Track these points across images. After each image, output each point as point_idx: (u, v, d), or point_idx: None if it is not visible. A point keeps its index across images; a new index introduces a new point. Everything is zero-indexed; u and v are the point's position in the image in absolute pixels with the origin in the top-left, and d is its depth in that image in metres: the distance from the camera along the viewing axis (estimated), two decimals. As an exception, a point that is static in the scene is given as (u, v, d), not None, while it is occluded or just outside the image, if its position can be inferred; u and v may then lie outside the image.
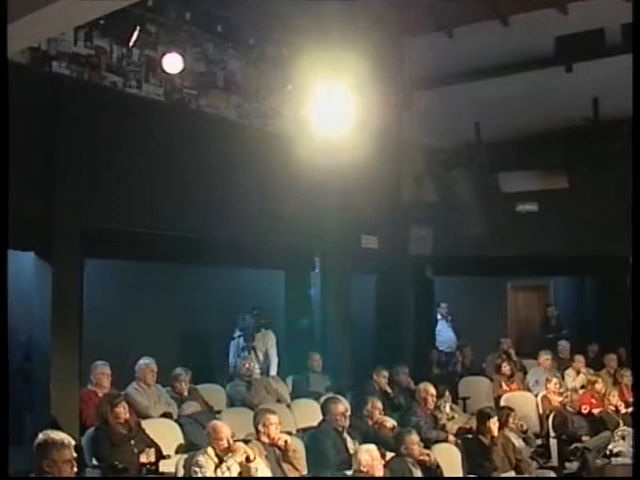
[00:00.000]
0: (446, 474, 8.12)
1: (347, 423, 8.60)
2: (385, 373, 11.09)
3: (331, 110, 8.91)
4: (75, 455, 5.77)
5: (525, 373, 13.18)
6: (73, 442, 5.83)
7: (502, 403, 10.98)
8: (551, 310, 15.72)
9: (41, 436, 5.74)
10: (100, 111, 9.22)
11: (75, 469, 5.76)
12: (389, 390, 11.01)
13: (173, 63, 9.96)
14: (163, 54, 10.01)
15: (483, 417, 9.03)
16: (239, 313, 11.88)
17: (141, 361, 9.32)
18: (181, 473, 7.18)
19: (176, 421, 8.83)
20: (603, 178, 12.85)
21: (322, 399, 9.54)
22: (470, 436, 9.31)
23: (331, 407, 8.64)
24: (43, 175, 8.73)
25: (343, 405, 8.73)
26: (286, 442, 7.68)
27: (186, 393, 9.59)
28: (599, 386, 11.58)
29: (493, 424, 8.88)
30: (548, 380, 11.69)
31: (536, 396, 11.68)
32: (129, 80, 9.96)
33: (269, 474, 7.10)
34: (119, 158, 9.38)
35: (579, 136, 13.46)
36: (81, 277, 9.18)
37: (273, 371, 11.66)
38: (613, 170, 12.11)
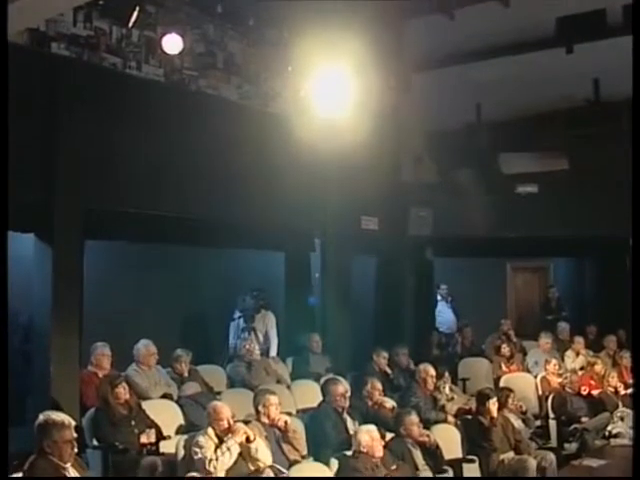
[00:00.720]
0: (446, 455, 8.17)
1: (347, 404, 8.63)
2: (385, 354, 11.12)
3: (331, 92, 8.91)
4: (75, 436, 5.82)
5: (525, 354, 13.21)
6: (74, 423, 5.89)
7: (501, 384, 11.00)
8: (552, 292, 15.73)
9: (42, 417, 5.79)
10: (100, 92, 9.20)
11: (75, 450, 5.82)
12: (389, 371, 11.04)
13: (173, 44, 9.92)
14: (163, 35, 9.96)
15: (483, 398, 9.06)
16: (239, 294, 11.91)
17: (140, 344, 9.34)
18: (181, 454, 7.21)
19: (176, 402, 8.87)
20: (603, 159, 12.83)
21: (322, 380, 9.58)
22: (469, 417, 9.35)
23: (331, 388, 8.67)
24: (43, 156, 8.73)
25: (343, 386, 8.77)
26: (286, 423, 7.70)
27: (186, 374, 9.63)
28: (598, 367, 11.62)
29: (492, 405, 8.92)
30: (547, 361, 11.72)
31: (535, 377, 11.70)
32: (129, 61, 9.93)
33: (269, 454, 7.13)
34: (119, 139, 9.37)
35: (579, 117, 13.43)
36: (81, 259, 9.19)
37: (273, 352, 11.69)
38: (613, 151, 12.09)
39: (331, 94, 8.89)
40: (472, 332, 14.26)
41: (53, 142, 8.81)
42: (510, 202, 13.59)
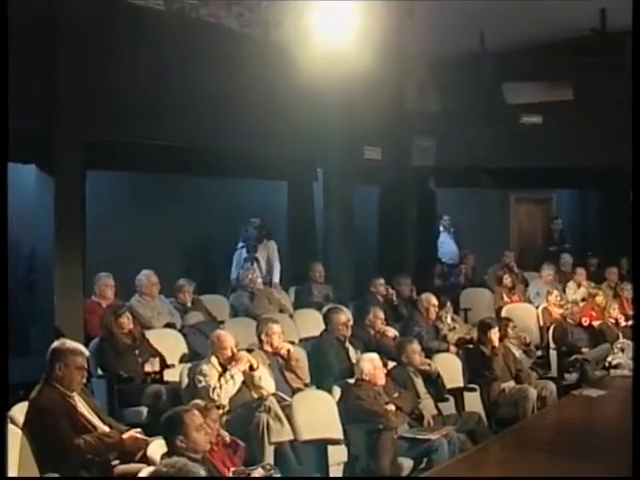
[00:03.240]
0: (447, 384, 8.25)
1: (349, 332, 8.70)
2: (381, 281, 11.09)
3: (333, 20, 8.80)
4: (86, 366, 5.90)
5: (526, 285, 13.25)
6: (87, 353, 5.95)
7: (503, 314, 11.05)
8: (557, 223, 15.69)
9: (57, 342, 5.89)
10: (100, 21, 9.08)
11: (84, 379, 5.90)
12: (393, 298, 11.05)
13: (173, -29, 9.77)
14: (163, -38, 9.81)
15: (484, 327, 9.13)
16: (241, 224, 11.89)
17: (141, 274, 9.38)
18: (185, 382, 7.29)
19: (180, 331, 8.93)
20: (608, 90, 12.71)
21: (324, 309, 9.62)
22: (471, 346, 9.42)
23: (333, 317, 8.73)
24: (43, 86, 8.64)
25: (345, 315, 8.83)
26: (289, 351, 7.77)
27: (189, 304, 9.69)
28: (600, 299, 11.66)
29: (494, 334, 8.99)
30: (549, 292, 11.76)
31: (537, 308, 11.75)
32: (128, -11, 9.77)
33: (272, 383, 7.20)
34: (119, 68, 9.27)
35: (585, 47, 13.26)
36: (83, 189, 9.16)
37: (276, 278, 11.71)
38: (619, 82, 11.96)
39: (333, 22, 8.78)
40: (474, 259, 14.28)
41: (54, 71, 8.71)
42: (514, 132, 13.50)
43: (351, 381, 7.51)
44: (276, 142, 11.12)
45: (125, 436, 5.76)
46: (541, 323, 11.41)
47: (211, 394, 6.79)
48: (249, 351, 7.48)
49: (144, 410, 7.47)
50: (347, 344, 8.65)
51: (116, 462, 5.71)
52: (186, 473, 3.84)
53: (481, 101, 13.07)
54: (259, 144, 10.93)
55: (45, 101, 8.66)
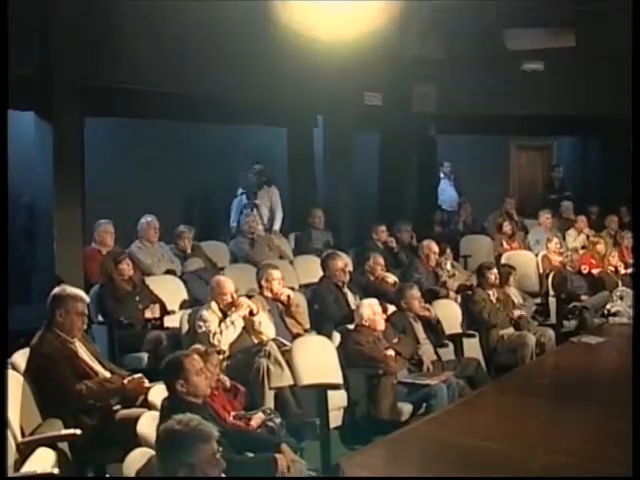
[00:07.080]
0: (447, 330, 8.27)
1: (347, 278, 8.71)
2: (383, 228, 11.10)
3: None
4: (87, 312, 5.93)
5: (526, 233, 13.26)
6: (87, 299, 5.99)
7: (503, 261, 11.06)
8: (558, 171, 15.61)
9: (58, 289, 5.94)
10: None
11: (85, 325, 5.93)
12: (393, 245, 11.06)
13: None
14: None
15: (483, 270, 9.22)
16: (242, 171, 11.86)
17: (143, 219, 9.39)
18: (185, 327, 7.32)
19: (180, 277, 8.95)
20: (612, 36, 12.59)
21: (322, 255, 9.63)
22: (470, 292, 9.44)
23: (330, 263, 8.74)
24: (40, 32, 8.58)
25: (342, 260, 8.85)
26: (289, 297, 7.79)
27: (189, 250, 9.71)
28: (600, 247, 11.65)
29: (492, 274, 9.06)
30: (549, 240, 11.76)
31: (536, 255, 11.76)
32: None
33: (272, 328, 7.23)
34: (118, 13, 9.18)
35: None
36: (82, 136, 9.13)
37: (277, 225, 11.71)
38: (619, 29, 11.85)
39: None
40: (471, 208, 14.24)
41: (51, 17, 8.63)
42: (515, 79, 13.41)
43: (351, 327, 7.54)
44: (276, 89, 11.05)
45: (126, 381, 5.80)
46: (540, 270, 11.41)
47: (211, 339, 6.82)
48: (249, 297, 7.49)
49: (144, 356, 7.52)
50: (345, 289, 8.67)
51: (117, 407, 5.76)
52: (199, 432, 3.85)
53: (482, 47, 12.95)
54: (259, 91, 10.87)
55: (42, 47, 8.59)
